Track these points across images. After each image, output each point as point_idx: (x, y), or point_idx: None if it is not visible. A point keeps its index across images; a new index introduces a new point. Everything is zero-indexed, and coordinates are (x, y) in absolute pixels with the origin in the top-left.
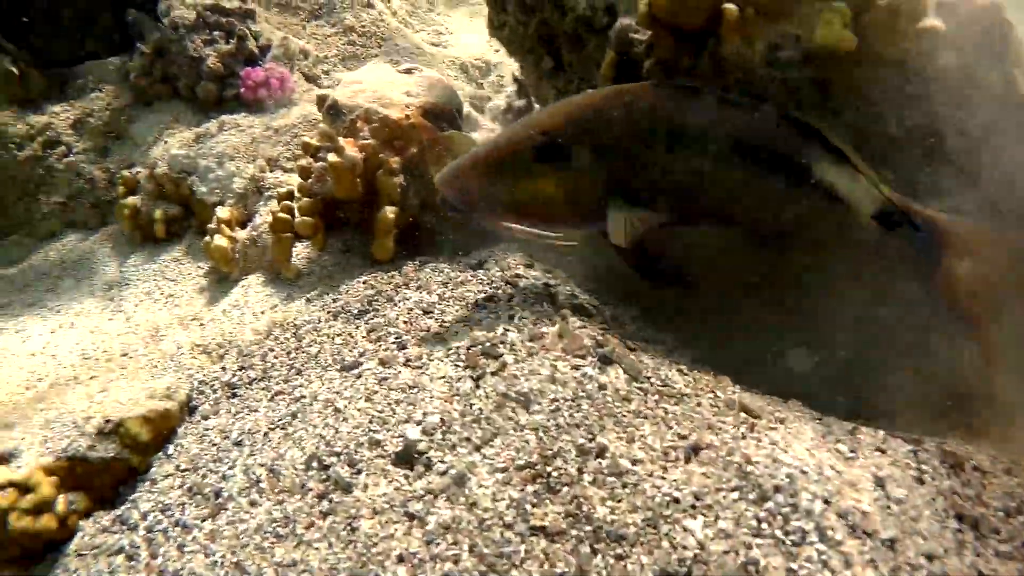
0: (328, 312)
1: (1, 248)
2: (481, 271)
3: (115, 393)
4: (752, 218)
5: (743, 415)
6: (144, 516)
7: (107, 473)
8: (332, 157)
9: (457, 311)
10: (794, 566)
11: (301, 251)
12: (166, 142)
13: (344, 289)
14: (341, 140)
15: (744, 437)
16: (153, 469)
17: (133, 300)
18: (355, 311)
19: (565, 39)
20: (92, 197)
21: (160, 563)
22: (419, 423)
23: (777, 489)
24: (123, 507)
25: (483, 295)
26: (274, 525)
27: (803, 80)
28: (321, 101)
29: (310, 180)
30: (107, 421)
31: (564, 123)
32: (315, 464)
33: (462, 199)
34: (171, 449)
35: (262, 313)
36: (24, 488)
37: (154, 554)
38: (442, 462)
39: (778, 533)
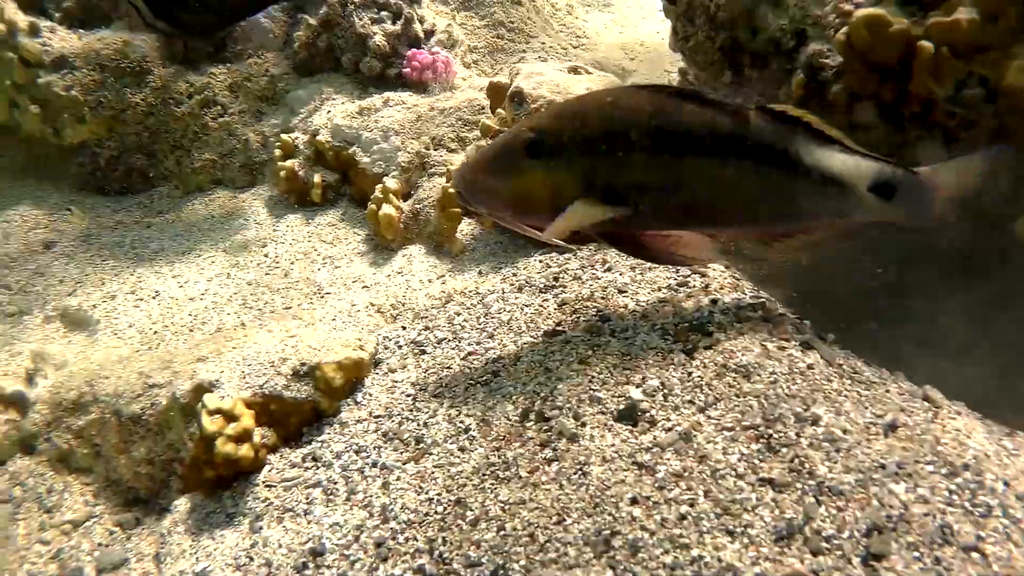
0: (510, 284)
1: (149, 197)
2: None
3: (306, 339)
4: (749, 214)
5: (926, 403)
6: (338, 456)
7: (297, 413)
8: None
9: (650, 293)
10: (982, 534)
11: (464, 228)
12: (329, 112)
13: (521, 265)
14: None
15: (932, 421)
16: (342, 414)
17: (288, 258)
18: (540, 285)
19: (750, 57)
20: (243, 157)
21: (362, 498)
22: (638, 385)
23: (965, 467)
24: (311, 446)
25: (674, 280)
26: (492, 469)
27: (983, 118)
28: (493, 89)
29: None
30: (303, 364)
31: (554, 121)
32: (532, 416)
33: (471, 195)
34: (359, 397)
35: (428, 282)
36: (229, 416)
37: (353, 490)
38: (667, 420)
39: (967, 504)
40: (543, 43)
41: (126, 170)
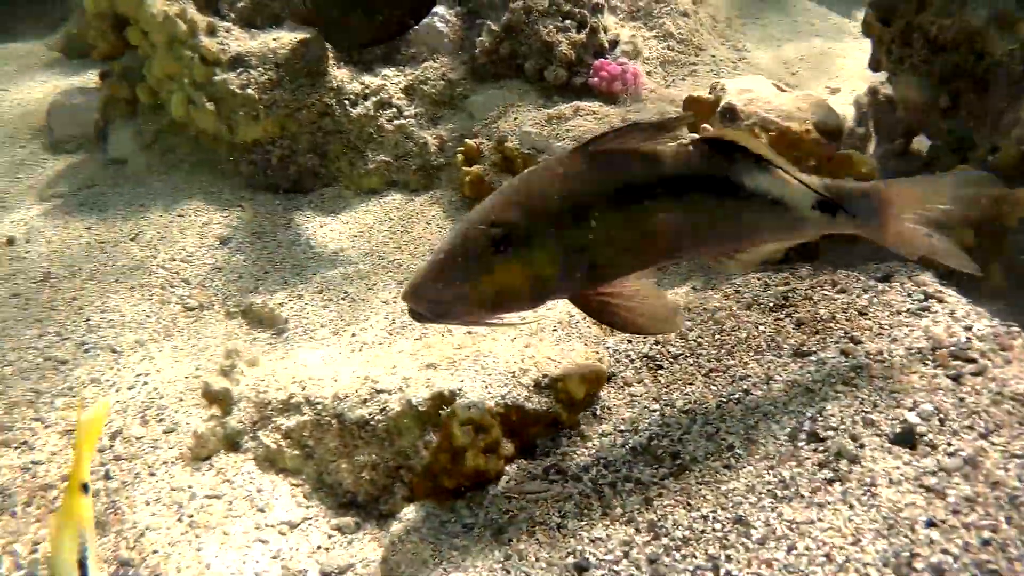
0: (736, 302)
1: (320, 197)
2: (895, 283)
3: (543, 350)
4: (701, 240)
5: None
6: (585, 469)
7: (536, 424)
8: None
9: (891, 316)
10: None
11: None
12: (515, 118)
13: (741, 283)
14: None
15: None
16: (582, 427)
17: None
18: (769, 304)
19: (969, 82)
20: (420, 160)
21: (622, 513)
22: (911, 409)
23: None
24: (551, 458)
25: (913, 304)
26: (769, 488)
27: None
28: (692, 103)
29: None
30: (544, 376)
31: (512, 209)
32: (802, 436)
33: (435, 312)
34: (597, 411)
35: None
36: (479, 427)
37: (608, 505)
38: (948, 444)
39: None
40: (713, 55)
41: (297, 169)
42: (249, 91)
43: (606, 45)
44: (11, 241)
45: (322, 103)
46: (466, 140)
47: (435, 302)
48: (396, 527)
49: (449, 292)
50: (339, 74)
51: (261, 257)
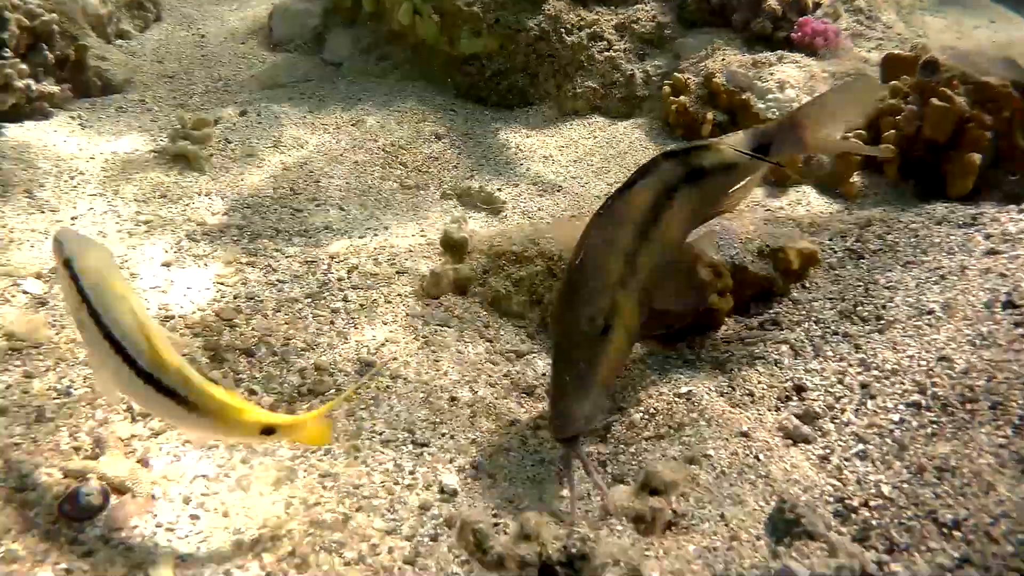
0: (926, 218)
1: (525, 113)
2: None
3: (762, 229)
4: (698, 221)
5: None
6: (797, 323)
7: (754, 286)
8: (936, 102)
9: None
10: None
11: (855, 177)
12: (723, 59)
13: (927, 208)
14: (948, 91)
15: None
16: (793, 294)
17: None
18: (958, 223)
19: None
20: (625, 90)
21: (832, 354)
22: None
23: None
24: (765, 315)
25: None
26: (968, 338)
27: None
28: (892, 60)
29: (897, 117)
30: (767, 246)
31: (599, 298)
32: (997, 304)
33: (583, 429)
34: (806, 284)
35: (828, 212)
36: (716, 271)
37: (820, 348)
38: None
39: None
40: (898, 34)
41: (509, 85)
42: (475, 8)
43: (810, 6)
44: (243, 112)
45: (540, 28)
46: (675, 73)
47: (591, 414)
48: None
49: (586, 406)
50: (557, 5)
51: (475, 153)
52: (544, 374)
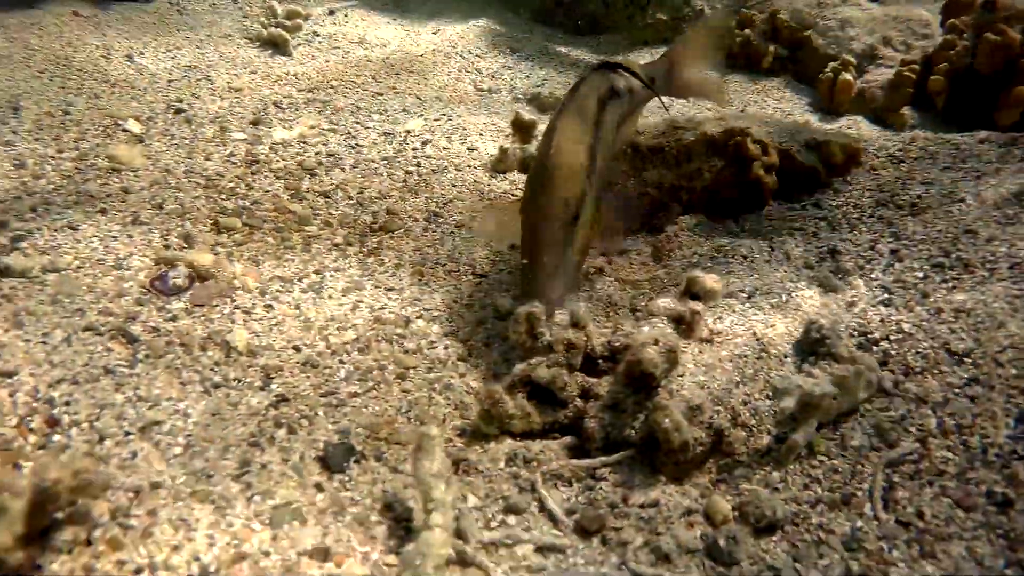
0: (968, 137)
1: (596, 40)
2: None
3: (813, 122)
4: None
5: None
6: (836, 207)
7: (799, 175)
8: (989, 36)
9: None
10: None
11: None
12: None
13: (972, 132)
14: (1003, 26)
15: None
16: (835, 185)
17: (739, 103)
18: (999, 143)
19: None
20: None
21: (868, 230)
22: None
23: None
24: (808, 200)
25: None
26: (994, 217)
27: None
28: (953, 3)
29: (951, 51)
30: (813, 139)
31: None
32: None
33: (570, 292)
34: (848, 178)
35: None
36: (764, 148)
37: (854, 225)
38: None
39: None
40: None
41: (583, 12)
42: None
43: None
44: (331, 12)
45: None
46: (743, 9)
47: (570, 285)
48: (671, 228)
49: (565, 283)
50: None
51: (547, 66)
52: None
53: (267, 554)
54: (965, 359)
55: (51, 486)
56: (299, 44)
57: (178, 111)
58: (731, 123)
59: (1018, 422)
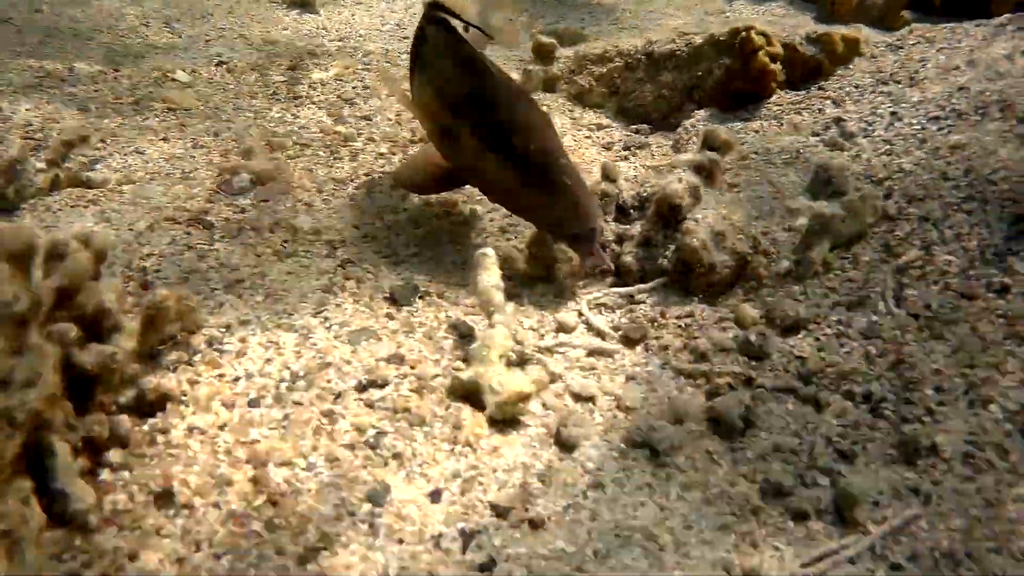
0: (964, 23)
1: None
2: None
3: (805, 22)
4: None
5: None
6: (838, 89)
7: (803, 65)
8: None
9: None
10: None
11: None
12: None
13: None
14: None
15: None
16: (837, 74)
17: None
18: (992, 25)
19: None
20: None
21: (867, 105)
22: None
23: None
24: (813, 86)
25: None
26: (981, 77)
27: None
28: None
29: None
30: (815, 31)
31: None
32: (1017, 53)
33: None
34: (851, 66)
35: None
36: (768, 39)
37: (856, 101)
38: None
39: None
40: None
41: None
42: None
43: None
44: None
45: None
46: None
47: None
48: (688, 121)
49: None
50: None
51: (563, 4)
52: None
53: (348, 362)
54: (960, 182)
55: (160, 302)
56: (325, 3)
57: (220, 63)
58: (736, 24)
59: (1011, 225)
